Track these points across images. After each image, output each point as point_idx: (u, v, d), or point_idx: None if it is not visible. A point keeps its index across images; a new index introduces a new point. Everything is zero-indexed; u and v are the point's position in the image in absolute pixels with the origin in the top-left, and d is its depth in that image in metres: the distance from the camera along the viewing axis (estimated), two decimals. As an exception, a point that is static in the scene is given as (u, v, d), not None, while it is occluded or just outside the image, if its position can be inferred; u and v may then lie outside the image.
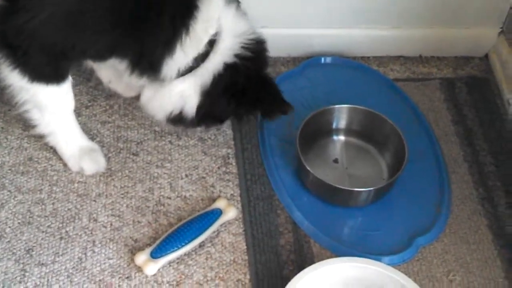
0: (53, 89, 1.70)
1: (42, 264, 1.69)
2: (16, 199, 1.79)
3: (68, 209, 1.79)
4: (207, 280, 1.69)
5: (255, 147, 1.95)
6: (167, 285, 1.67)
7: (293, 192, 1.85)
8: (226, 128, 1.97)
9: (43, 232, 1.74)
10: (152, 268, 1.67)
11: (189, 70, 1.67)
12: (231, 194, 1.84)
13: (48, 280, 1.66)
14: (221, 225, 1.77)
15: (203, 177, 1.87)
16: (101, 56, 1.69)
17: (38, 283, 1.66)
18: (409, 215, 1.82)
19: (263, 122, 1.95)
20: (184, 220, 1.75)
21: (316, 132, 1.91)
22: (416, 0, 2.09)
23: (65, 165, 1.87)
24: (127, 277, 1.68)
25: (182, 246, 1.70)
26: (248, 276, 1.70)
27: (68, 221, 1.76)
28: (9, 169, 1.85)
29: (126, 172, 1.87)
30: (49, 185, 1.83)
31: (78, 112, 1.96)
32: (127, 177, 1.86)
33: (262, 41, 1.75)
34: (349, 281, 1.64)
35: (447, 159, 1.94)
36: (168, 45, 1.61)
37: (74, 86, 1.96)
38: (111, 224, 1.77)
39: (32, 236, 1.73)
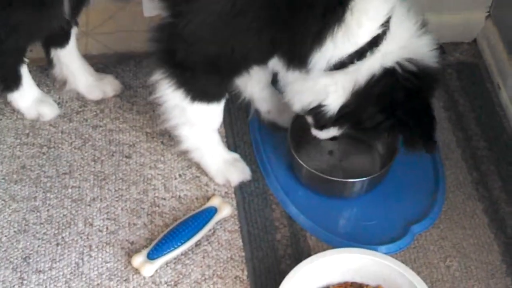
0: (212, 108, 1.76)
1: (40, 271, 1.72)
2: (11, 207, 1.83)
3: (63, 215, 1.82)
4: (205, 279, 1.72)
5: (248, 144, 1.99)
6: (165, 285, 1.71)
7: (288, 186, 1.88)
8: (219, 126, 2.00)
9: (39, 239, 1.78)
10: (149, 269, 1.70)
11: (341, 65, 1.61)
12: (225, 192, 1.88)
13: (46, 287, 1.70)
14: (216, 223, 1.81)
15: (197, 176, 1.91)
16: (263, 58, 1.68)
17: (36, 290, 1.70)
18: (404, 203, 1.86)
19: (254, 118, 1.99)
20: (180, 220, 1.78)
21: (308, 125, 1.91)
22: (401, -12, 2.11)
23: (57, 170, 1.91)
24: (125, 280, 1.71)
25: (179, 246, 1.73)
26: (245, 273, 1.73)
27: (63, 227, 1.80)
28: (3, 178, 1.89)
29: (119, 175, 1.91)
30: (43, 192, 1.86)
31: (69, 118, 2.03)
32: (121, 180, 1.90)
33: (435, 68, 1.64)
34: (346, 272, 1.67)
35: (440, 145, 1.97)
36: (317, 36, 1.56)
37: (65, 93, 2.06)
38: (107, 228, 1.80)
39: (28, 243, 1.77)
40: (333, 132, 1.77)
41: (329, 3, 1.54)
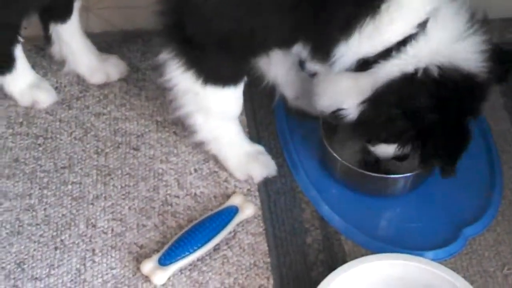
0: (228, 92, 1.73)
1: (36, 278, 1.69)
2: (2, 206, 1.80)
3: (62, 215, 1.80)
4: (225, 288, 1.69)
5: (273, 135, 1.96)
6: (179, 295, 1.69)
7: (319, 183, 1.86)
8: (240, 114, 1.96)
9: (35, 242, 1.75)
10: (161, 277, 1.67)
11: (365, 65, 1.58)
12: (248, 189, 1.85)
13: (43, 296, 1.68)
14: (238, 225, 1.78)
15: (215, 171, 1.88)
16: (285, 43, 1.65)
17: (32, 300, 1.68)
18: (455, 202, 1.83)
19: (280, 104, 1.96)
20: (196, 221, 1.76)
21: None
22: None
23: (55, 164, 1.88)
24: (134, 289, 1.69)
25: (194, 250, 1.70)
26: (271, 281, 1.70)
27: (63, 229, 1.77)
28: (-7, 173, 1.87)
29: (126, 169, 1.88)
30: (39, 189, 1.83)
31: (68, 105, 2.00)
32: (128, 175, 1.87)
33: (475, 76, 1.57)
34: (388, 281, 1.63)
35: (496, 136, 1.95)
36: (345, 24, 1.52)
37: (64, 76, 2.06)
38: (112, 230, 1.78)
39: (23, 247, 1.74)
40: (390, 149, 1.71)
41: None
